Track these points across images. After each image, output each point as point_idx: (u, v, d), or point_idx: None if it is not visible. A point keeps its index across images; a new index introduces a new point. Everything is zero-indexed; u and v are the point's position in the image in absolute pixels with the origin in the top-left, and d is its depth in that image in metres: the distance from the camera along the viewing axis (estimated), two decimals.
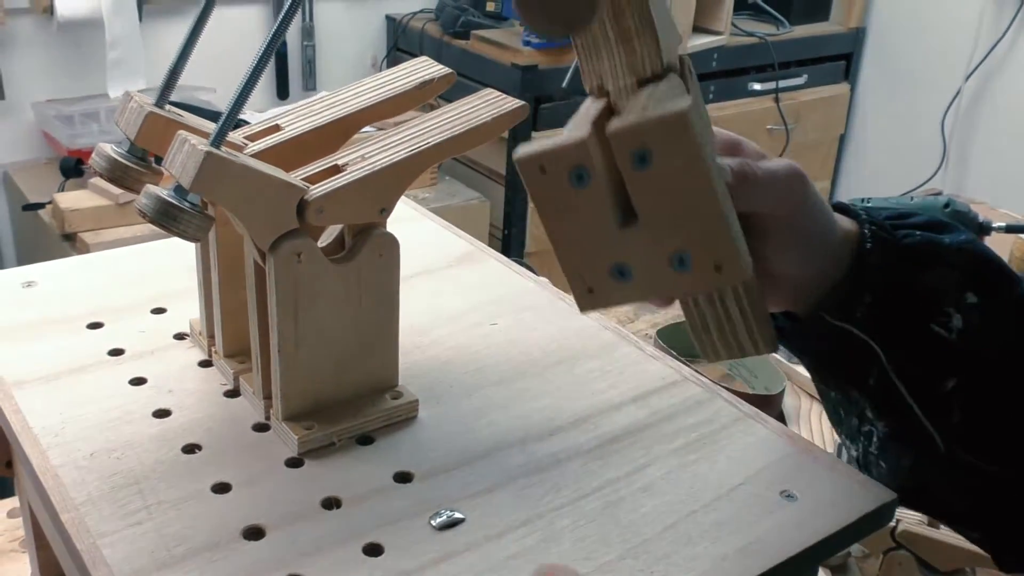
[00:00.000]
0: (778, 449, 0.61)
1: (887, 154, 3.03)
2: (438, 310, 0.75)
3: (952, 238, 0.55)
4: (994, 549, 0.60)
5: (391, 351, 0.62)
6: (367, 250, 0.58)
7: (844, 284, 0.54)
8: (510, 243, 2.51)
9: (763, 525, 0.54)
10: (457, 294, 0.77)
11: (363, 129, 0.64)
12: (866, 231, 0.54)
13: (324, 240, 0.60)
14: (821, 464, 0.59)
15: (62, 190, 2.11)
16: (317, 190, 0.55)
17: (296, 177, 0.56)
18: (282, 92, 2.65)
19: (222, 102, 2.34)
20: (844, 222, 0.55)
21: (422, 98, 0.65)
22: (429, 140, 0.58)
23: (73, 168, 2.14)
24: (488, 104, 0.61)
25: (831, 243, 0.54)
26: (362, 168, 0.56)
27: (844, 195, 3.14)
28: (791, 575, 0.53)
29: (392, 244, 0.59)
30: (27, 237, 2.29)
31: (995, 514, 0.58)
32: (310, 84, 2.69)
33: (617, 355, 0.70)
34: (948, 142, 2.82)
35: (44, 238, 2.07)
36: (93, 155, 0.58)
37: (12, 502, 0.97)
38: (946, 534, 0.86)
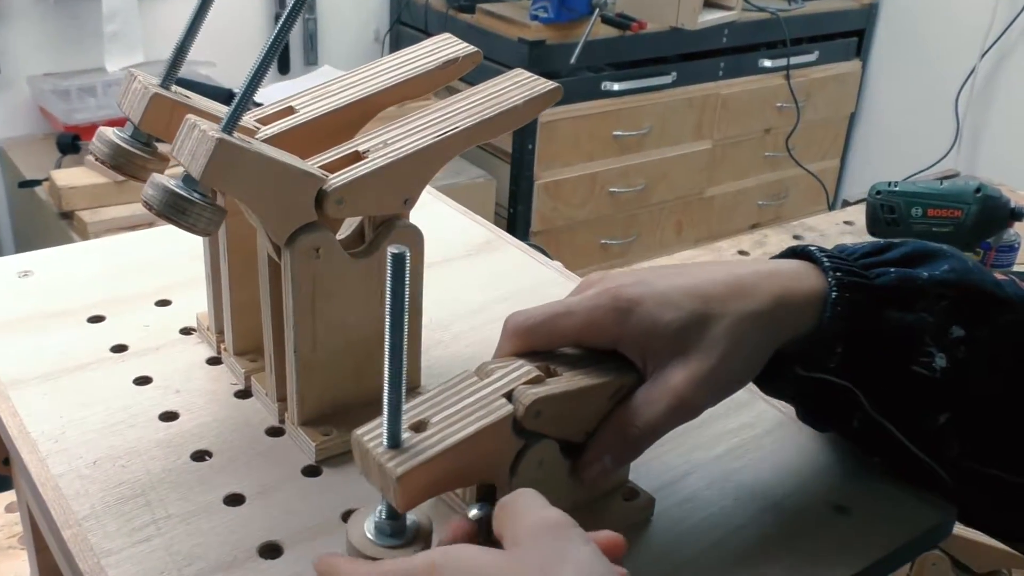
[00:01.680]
0: (826, 456, 0.57)
1: (899, 133, 2.97)
2: (459, 303, 0.71)
3: (931, 270, 0.50)
4: None
5: (413, 351, 0.58)
6: (389, 244, 0.54)
7: (812, 337, 0.50)
8: (516, 221, 2.46)
9: (816, 542, 0.51)
10: (478, 285, 0.73)
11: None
12: (831, 280, 0.50)
13: (342, 232, 0.56)
14: (873, 475, 0.56)
15: (59, 167, 2.06)
16: (337, 179, 0.50)
17: (314, 165, 0.51)
18: (283, 67, 2.59)
19: (222, 76, 2.28)
20: (807, 273, 0.51)
21: (446, 79, 0.60)
22: (457, 125, 0.54)
23: (70, 144, 2.09)
24: (519, 86, 0.57)
25: (776, 329, 0.49)
26: (385, 155, 0.52)
27: (854, 174, 3.09)
28: None
29: (416, 237, 0.55)
30: (23, 215, 2.24)
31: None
32: (311, 58, 2.64)
33: None
34: (962, 121, 2.77)
35: (41, 216, 2.02)
36: (94, 139, 0.54)
37: (12, 495, 0.93)
38: (983, 534, 0.83)
